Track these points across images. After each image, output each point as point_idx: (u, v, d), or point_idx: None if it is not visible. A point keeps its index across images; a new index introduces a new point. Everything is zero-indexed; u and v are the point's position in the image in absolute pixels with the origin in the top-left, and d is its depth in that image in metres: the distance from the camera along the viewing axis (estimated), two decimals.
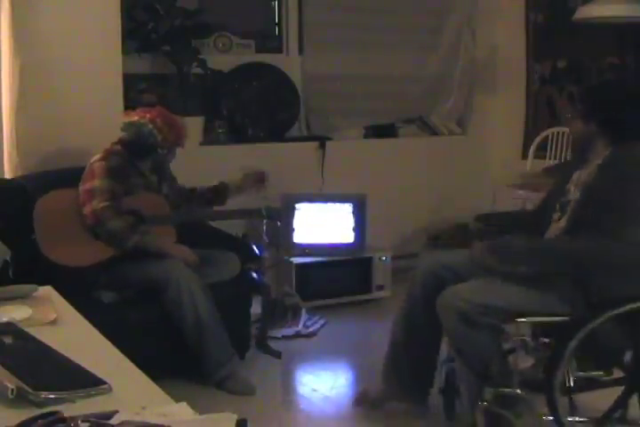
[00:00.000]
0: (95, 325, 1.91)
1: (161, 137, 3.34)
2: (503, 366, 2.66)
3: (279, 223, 3.70)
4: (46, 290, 2.23)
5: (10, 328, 1.76)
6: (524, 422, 2.65)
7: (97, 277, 3.25)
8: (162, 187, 3.53)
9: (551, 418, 2.55)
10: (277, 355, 3.70)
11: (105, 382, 1.45)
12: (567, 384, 2.58)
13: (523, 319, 2.55)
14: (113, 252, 3.25)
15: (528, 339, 2.63)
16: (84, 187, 3.28)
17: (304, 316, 4.15)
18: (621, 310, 2.45)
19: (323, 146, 4.66)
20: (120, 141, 3.40)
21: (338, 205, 4.46)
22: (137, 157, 3.39)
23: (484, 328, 2.60)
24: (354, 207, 4.43)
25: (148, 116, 3.36)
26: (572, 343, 2.45)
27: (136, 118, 3.37)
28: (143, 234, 3.25)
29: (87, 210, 3.22)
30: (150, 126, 3.33)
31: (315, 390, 3.37)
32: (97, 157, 3.33)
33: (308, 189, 4.57)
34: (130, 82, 4.07)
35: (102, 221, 3.19)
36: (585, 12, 4.06)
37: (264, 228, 3.63)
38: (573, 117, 2.76)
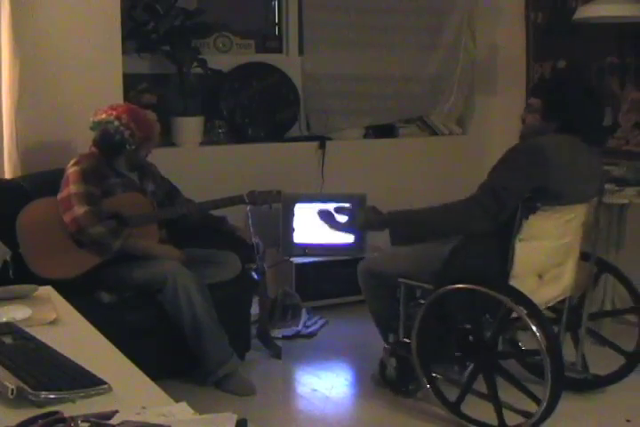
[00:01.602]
0: (95, 325, 1.91)
1: (128, 133, 3.32)
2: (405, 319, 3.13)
3: (267, 207, 3.65)
4: (46, 290, 2.23)
5: (10, 328, 1.76)
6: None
7: (96, 281, 3.25)
8: (145, 185, 3.51)
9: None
10: (277, 351, 3.70)
11: (105, 382, 1.45)
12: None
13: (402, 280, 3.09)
14: (97, 260, 3.25)
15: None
16: (61, 195, 3.27)
17: (304, 316, 4.15)
18: (442, 290, 2.86)
19: (323, 146, 4.66)
20: (93, 142, 3.40)
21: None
22: (110, 155, 3.38)
23: (380, 290, 3.21)
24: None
25: (114, 113, 3.34)
26: (422, 309, 2.94)
27: (103, 116, 3.34)
28: (126, 237, 3.24)
29: (68, 218, 3.21)
30: (116, 123, 3.32)
31: (315, 390, 3.38)
32: (71, 162, 3.34)
33: (308, 189, 4.56)
34: (130, 82, 4.07)
35: (84, 228, 3.18)
36: (585, 12, 4.06)
37: (249, 215, 3.62)
38: (531, 110, 2.94)
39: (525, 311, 2.73)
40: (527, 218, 2.75)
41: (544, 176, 2.74)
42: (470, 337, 2.97)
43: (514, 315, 2.81)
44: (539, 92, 2.98)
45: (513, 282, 2.82)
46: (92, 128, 3.38)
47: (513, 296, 2.76)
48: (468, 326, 2.99)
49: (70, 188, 3.24)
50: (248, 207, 3.62)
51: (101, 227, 3.19)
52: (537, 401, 2.76)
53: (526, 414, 2.80)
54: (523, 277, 2.84)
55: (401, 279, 3.09)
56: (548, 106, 2.89)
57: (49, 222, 3.28)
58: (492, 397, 2.84)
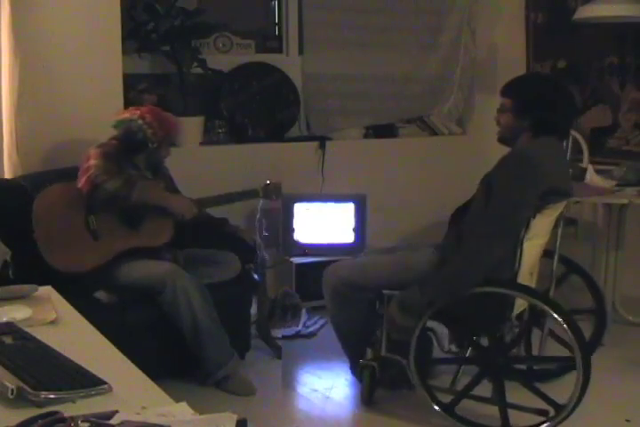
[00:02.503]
0: (95, 325, 1.91)
1: (150, 131, 3.37)
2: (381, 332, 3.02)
3: (275, 198, 3.67)
4: (46, 290, 2.23)
5: (10, 328, 1.76)
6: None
7: (96, 281, 3.25)
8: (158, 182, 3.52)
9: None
10: (278, 351, 3.70)
11: (105, 382, 1.45)
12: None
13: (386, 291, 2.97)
14: (112, 254, 3.26)
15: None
16: (81, 170, 3.29)
17: (304, 316, 4.15)
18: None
19: (323, 146, 4.66)
20: (114, 138, 3.44)
21: (338, 205, 4.46)
22: (131, 153, 3.42)
23: (355, 303, 3.04)
24: (354, 207, 4.43)
25: (138, 112, 3.40)
26: (423, 319, 2.85)
27: (127, 115, 3.40)
28: (142, 189, 3.26)
29: (81, 181, 3.23)
30: (140, 122, 3.37)
31: (315, 390, 3.38)
32: (93, 146, 3.36)
33: (308, 189, 4.56)
34: (130, 82, 4.07)
35: (98, 185, 3.19)
36: (585, 12, 4.06)
37: (259, 209, 3.62)
38: (504, 110, 2.93)
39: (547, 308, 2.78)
40: (534, 217, 2.78)
41: (548, 179, 2.77)
42: (486, 342, 2.97)
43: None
44: (508, 92, 2.96)
45: (519, 281, 2.85)
46: (114, 126, 3.42)
47: (538, 296, 2.82)
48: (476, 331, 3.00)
49: (90, 162, 3.27)
50: (260, 203, 3.62)
51: (115, 181, 3.21)
52: (554, 404, 2.80)
53: (542, 412, 2.82)
54: (524, 275, 2.88)
55: (387, 291, 2.98)
56: (519, 104, 2.89)
57: (67, 208, 3.28)
58: (499, 400, 2.85)
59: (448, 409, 2.95)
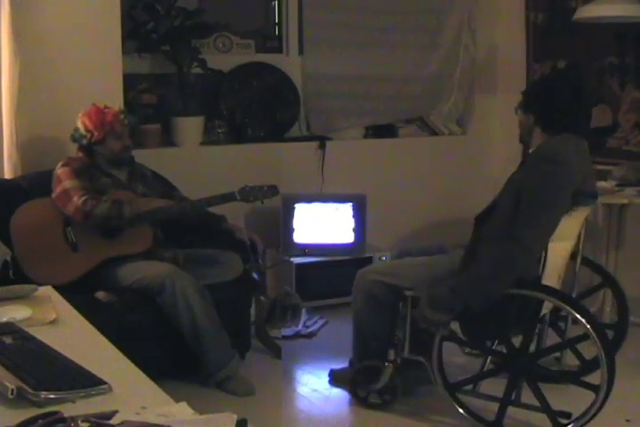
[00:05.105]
0: (95, 325, 1.91)
1: (89, 134, 3.40)
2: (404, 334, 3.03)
3: (262, 203, 3.48)
4: (46, 290, 2.23)
5: (10, 328, 1.76)
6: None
7: (85, 286, 3.24)
8: (134, 185, 3.53)
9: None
10: (277, 351, 3.70)
11: (105, 382, 1.45)
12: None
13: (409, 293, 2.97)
14: (92, 265, 3.28)
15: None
16: (56, 192, 3.33)
17: (304, 316, 4.15)
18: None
19: (323, 146, 4.66)
20: (78, 150, 3.50)
21: (338, 205, 4.46)
22: (95, 158, 3.45)
23: (387, 305, 3.02)
24: (354, 207, 4.43)
25: (80, 119, 3.43)
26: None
27: (76, 125, 3.45)
28: (130, 202, 3.30)
29: (71, 209, 3.26)
30: (81, 128, 3.42)
31: (315, 390, 3.38)
32: (59, 164, 3.40)
33: (308, 189, 4.56)
34: (130, 82, 4.07)
35: (90, 212, 3.23)
36: (585, 12, 4.05)
37: (242, 216, 3.55)
38: (518, 109, 2.97)
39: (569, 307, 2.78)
40: (560, 220, 2.75)
41: (577, 178, 2.76)
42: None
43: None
44: (524, 91, 3.01)
45: (546, 283, 2.83)
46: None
47: (565, 299, 2.82)
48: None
49: (64, 183, 3.31)
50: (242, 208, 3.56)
51: (104, 203, 3.25)
52: (560, 415, 2.82)
53: (565, 415, 2.83)
54: (550, 277, 2.85)
55: (409, 292, 2.97)
56: (524, 99, 2.93)
57: (42, 225, 3.33)
58: (507, 400, 2.84)
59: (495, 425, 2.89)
